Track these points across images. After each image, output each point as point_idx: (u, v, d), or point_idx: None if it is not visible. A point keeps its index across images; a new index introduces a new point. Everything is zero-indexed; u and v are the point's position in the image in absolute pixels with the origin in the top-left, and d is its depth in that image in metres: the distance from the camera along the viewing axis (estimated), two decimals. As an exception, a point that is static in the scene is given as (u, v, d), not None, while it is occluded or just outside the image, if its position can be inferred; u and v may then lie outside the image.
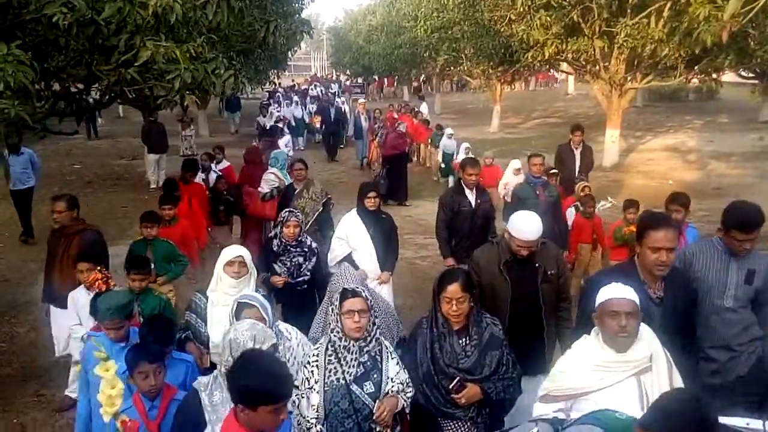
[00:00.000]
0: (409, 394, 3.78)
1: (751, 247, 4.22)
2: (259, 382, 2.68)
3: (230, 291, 4.40)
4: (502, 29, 16.81)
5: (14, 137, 4.83)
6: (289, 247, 6.07)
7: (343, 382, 3.62)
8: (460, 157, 13.96)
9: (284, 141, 14.76)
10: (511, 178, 11.35)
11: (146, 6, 5.14)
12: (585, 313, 3.98)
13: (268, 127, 18.43)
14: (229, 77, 5.66)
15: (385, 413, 3.61)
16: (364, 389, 3.66)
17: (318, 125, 22.27)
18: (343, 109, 22.89)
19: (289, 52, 23.76)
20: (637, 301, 3.31)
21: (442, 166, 16.59)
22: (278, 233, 6.10)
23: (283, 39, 8.41)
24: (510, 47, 18.24)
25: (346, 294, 3.66)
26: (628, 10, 15.32)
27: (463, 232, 7.12)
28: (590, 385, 3.26)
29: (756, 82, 25.71)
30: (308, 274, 6.10)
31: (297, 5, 13.37)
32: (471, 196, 7.18)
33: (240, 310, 3.87)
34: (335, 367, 3.65)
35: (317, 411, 3.58)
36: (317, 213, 7.84)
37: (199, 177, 9.96)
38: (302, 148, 22.24)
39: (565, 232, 8.21)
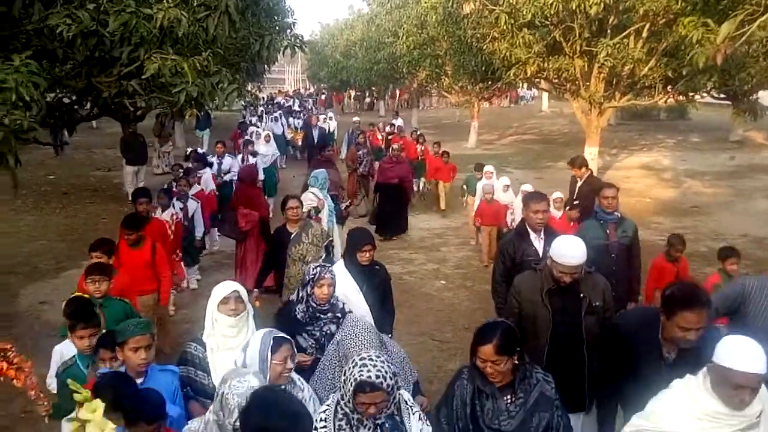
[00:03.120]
0: None
1: None
2: (278, 421, 2.49)
3: (229, 332, 3.96)
4: (484, 47, 16.93)
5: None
6: (318, 314, 4.57)
7: None
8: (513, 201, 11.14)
9: (204, 177, 11.27)
10: (519, 203, 9.92)
11: (152, 19, 5.09)
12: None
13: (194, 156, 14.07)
14: (232, 91, 5.63)
15: None
16: None
17: (301, 142, 21.35)
18: (327, 130, 21.28)
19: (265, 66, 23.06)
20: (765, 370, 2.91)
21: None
22: (305, 296, 4.59)
23: (276, 53, 8.37)
24: (492, 64, 18.37)
25: (363, 387, 3.09)
26: (609, 31, 15.59)
27: None
28: None
29: (728, 102, 26.24)
30: None
31: (289, 20, 13.32)
32: (538, 242, 5.76)
33: (278, 345, 3.53)
34: None
35: None
36: (321, 260, 6.59)
37: (176, 205, 9.13)
38: (283, 166, 20.88)
39: (637, 281, 6.71)
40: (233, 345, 3.93)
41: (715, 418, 2.98)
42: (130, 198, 15.64)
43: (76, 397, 2.88)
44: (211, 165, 12.56)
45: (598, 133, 18.07)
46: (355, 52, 37.72)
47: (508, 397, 3.46)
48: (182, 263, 9.16)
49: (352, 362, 3.17)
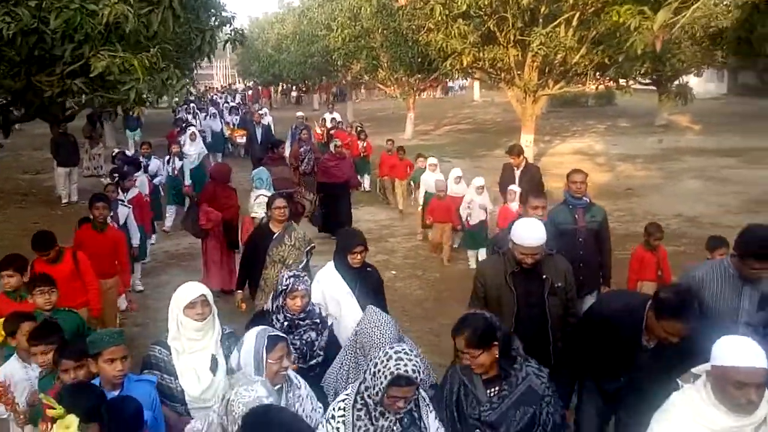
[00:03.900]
0: None
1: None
2: None
3: (196, 336, 3.87)
4: (420, 38, 17.05)
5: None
6: (296, 322, 4.40)
7: None
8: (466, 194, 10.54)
9: (140, 180, 10.67)
10: (474, 196, 10.23)
11: (97, 15, 4.92)
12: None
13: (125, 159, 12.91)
14: (181, 88, 5.50)
15: None
16: None
17: (240, 139, 20.32)
18: (272, 129, 19.51)
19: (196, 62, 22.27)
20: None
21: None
22: (279, 306, 4.42)
23: (215, 49, 8.22)
24: (428, 56, 18.52)
25: (399, 381, 3.04)
26: (541, 20, 15.91)
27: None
28: None
29: (653, 88, 27.22)
30: (321, 353, 4.42)
31: (228, 14, 13.04)
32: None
33: (273, 344, 3.48)
34: (365, 425, 3.17)
35: None
36: (302, 265, 6.37)
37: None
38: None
39: (608, 266, 6.74)
40: (200, 347, 3.88)
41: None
42: (63, 200, 15.28)
43: (50, 413, 2.80)
44: (143, 167, 12.04)
45: (533, 120, 18.45)
46: (287, 46, 37.43)
47: (494, 388, 3.47)
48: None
49: (385, 355, 3.11)
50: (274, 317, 4.40)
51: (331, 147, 12.75)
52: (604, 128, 28.92)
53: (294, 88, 49.47)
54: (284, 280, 4.41)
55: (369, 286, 5.11)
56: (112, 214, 8.33)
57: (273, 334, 3.55)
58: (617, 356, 3.91)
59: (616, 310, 3.98)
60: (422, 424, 3.25)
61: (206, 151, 15.12)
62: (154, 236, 11.26)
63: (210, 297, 3.94)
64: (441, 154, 20.78)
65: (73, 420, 2.80)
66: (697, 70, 23.59)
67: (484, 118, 35.59)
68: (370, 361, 3.25)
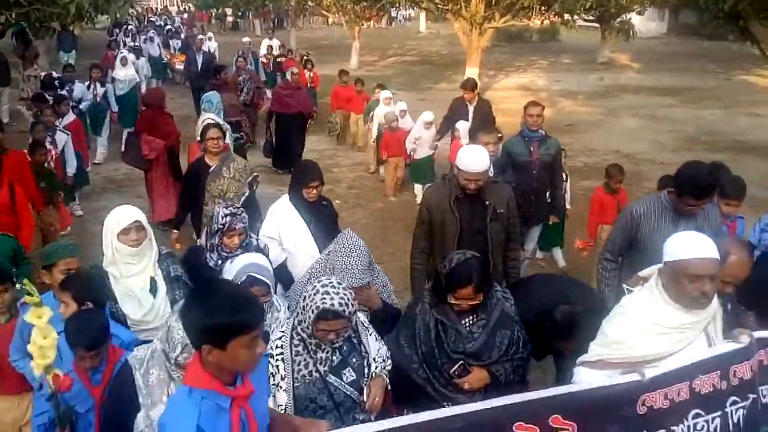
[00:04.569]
0: (388, 367, 3.36)
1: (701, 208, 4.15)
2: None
3: (132, 260, 3.81)
4: (367, -36, 16.70)
5: None
6: (231, 258, 4.20)
7: (317, 375, 3.13)
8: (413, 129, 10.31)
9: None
10: (422, 132, 10.06)
11: None
12: None
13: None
14: (124, 4, 5.28)
15: (377, 401, 3.20)
16: (344, 379, 3.17)
17: (179, 66, 18.86)
18: (215, 55, 18.05)
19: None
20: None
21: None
22: (215, 244, 4.31)
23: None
24: (375, -17, 18.16)
25: (326, 315, 3.01)
26: (489, -49, 15.75)
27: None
28: (664, 350, 2.89)
29: (596, 25, 27.39)
30: None
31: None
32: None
33: (249, 285, 3.38)
34: (305, 359, 3.14)
35: (286, 412, 3.07)
36: (244, 197, 6.06)
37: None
38: None
39: (561, 199, 7.00)
40: (137, 270, 3.84)
41: (681, 329, 2.90)
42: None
43: (27, 299, 2.81)
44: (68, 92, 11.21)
45: (479, 54, 18.46)
46: (230, -32, 36.03)
47: (470, 318, 3.48)
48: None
49: (313, 289, 3.08)
50: (207, 254, 4.30)
51: (288, 75, 12.16)
52: (547, 64, 29.09)
53: (230, 13, 47.80)
54: (221, 218, 4.27)
55: (324, 220, 5.00)
56: (50, 140, 8.10)
57: (254, 276, 3.48)
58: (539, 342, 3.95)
59: (529, 312, 3.95)
60: (362, 348, 3.25)
61: (137, 78, 13.80)
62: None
63: (144, 221, 3.86)
64: (387, 85, 20.65)
65: (46, 311, 2.80)
66: (641, 8, 23.77)
67: (429, 50, 35.28)
68: (300, 295, 3.23)
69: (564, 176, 7.17)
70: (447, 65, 27.78)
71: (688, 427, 2.82)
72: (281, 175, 10.78)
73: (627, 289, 3.18)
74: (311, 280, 3.40)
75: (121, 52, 14.02)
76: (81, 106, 11.59)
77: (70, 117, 9.41)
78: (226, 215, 4.28)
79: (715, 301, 2.96)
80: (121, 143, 11.11)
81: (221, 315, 2.23)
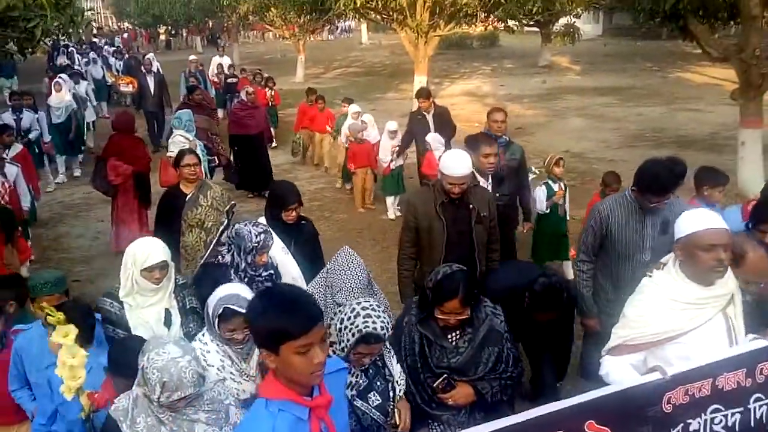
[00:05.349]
0: (404, 388, 3.32)
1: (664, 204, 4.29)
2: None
3: (150, 294, 3.79)
4: (312, -23, 16.80)
5: None
6: (256, 276, 4.22)
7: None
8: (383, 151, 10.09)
9: None
10: (386, 142, 10.05)
11: (-6, -53, 4.61)
12: None
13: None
14: (87, 24, 5.27)
15: (408, 423, 3.20)
16: (370, 403, 3.11)
17: (125, 87, 18.32)
18: (164, 79, 16.10)
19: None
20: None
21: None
22: (246, 264, 4.18)
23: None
24: (320, -4, 18.27)
25: (368, 339, 2.97)
26: (432, -40, 16.03)
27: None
28: (681, 326, 2.94)
29: (536, 29, 28.06)
30: None
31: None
32: (486, 186, 5.58)
33: (226, 317, 3.26)
34: None
35: None
36: (222, 227, 5.71)
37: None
38: (107, 115, 17.79)
39: (528, 203, 7.02)
40: (153, 302, 3.80)
41: (699, 305, 2.96)
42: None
43: (50, 319, 2.78)
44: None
45: (426, 62, 18.70)
46: (168, -15, 35.70)
47: (455, 332, 3.43)
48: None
49: (353, 311, 3.02)
50: (231, 271, 4.16)
51: (243, 95, 11.72)
52: (490, 69, 29.66)
53: (162, 31, 47.31)
54: (254, 237, 4.13)
55: (304, 240, 4.95)
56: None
57: (231, 307, 3.27)
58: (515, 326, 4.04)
59: (503, 291, 4.18)
60: (386, 371, 3.21)
61: (75, 105, 12.71)
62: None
63: (169, 258, 3.82)
64: (335, 97, 20.75)
65: (72, 329, 2.78)
66: (588, 11, 24.54)
67: (373, 61, 35.57)
68: (335, 315, 3.15)
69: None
70: (393, 75, 28.08)
71: (705, 421, 2.84)
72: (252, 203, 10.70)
73: (648, 273, 3.21)
74: (348, 302, 3.24)
75: (59, 77, 13.06)
76: (30, 136, 11.13)
77: (17, 148, 8.93)
78: (260, 233, 4.17)
79: (734, 282, 3.02)
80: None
81: (269, 319, 2.20)
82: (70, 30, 5.23)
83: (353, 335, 2.97)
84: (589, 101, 20.24)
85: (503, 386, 3.47)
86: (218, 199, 5.91)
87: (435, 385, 3.36)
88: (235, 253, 4.18)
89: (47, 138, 11.58)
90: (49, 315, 2.78)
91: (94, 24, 45.47)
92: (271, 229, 4.32)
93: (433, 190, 4.84)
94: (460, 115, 18.68)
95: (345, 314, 3.04)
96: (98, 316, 3.78)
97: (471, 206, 4.76)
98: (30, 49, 5.80)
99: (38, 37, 4.94)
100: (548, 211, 7.30)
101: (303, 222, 5.08)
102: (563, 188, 7.43)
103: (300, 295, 2.31)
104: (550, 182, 7.35)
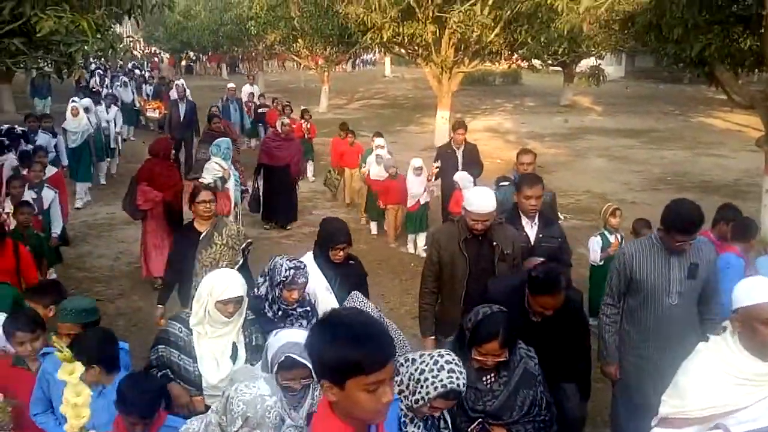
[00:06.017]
0: None
1: (690, 244, 4.20)
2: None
3: (219, 326, 3.73)
4: (340, 10, 17.05)
5: None
6: (289, 311, 4.16)
7: None
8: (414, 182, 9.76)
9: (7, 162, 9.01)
10: (412, 179, 9.79)
11: (40, -27, 4.74)
12: None
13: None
14: (127, 50, 5.37)
15: None
16: None
17: (151, 113, 18.31)
18: (197, 106, 15.78)
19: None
20: None
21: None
22: (275, 297, 4.13)
23: (146, 12, 7.97)
24: (347, 28, 18.52)
25: (448, 395, 2.87)
26: (459, -2, 16.26)
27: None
28: (736, 402, 2.80)
29: (559, 69, 28.26)
30: None
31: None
32: (530, 228, 5.27)
33: (286, 367, 3.02)
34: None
35: None
36: (237, 266, 5.44)
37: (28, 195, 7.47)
38: (132, 138, 18.61)
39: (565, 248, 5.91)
40: (222, 333, 3.75)
41: (757, 381, 2.83)
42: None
43: (58, 355, 2.69)
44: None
45: (450, 97, 18.89)
46: (198, 12, 36.38)
47: (489, 376, 3.38)
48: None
49: (436, 364, 2.90)
50: (266, 305, 4.13)
51: (278, 125, 11.42)
52: (512, 107, 29.82)
53: (183, 56, 48.25)
54: (283, 270, 4.06)
55: (350, 281, 4.71)
56: (35, 196, 7.57)
57: (293, 357, 3.04)
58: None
59: (502, 293, 4.15)
60: (441, 423, 3.11)
61: (91, 130, 12.55)
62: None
63: (245, 293, 3.78)
64: (357, 128, 20.93)
65: (79, 367, 2.69)
66: (612, 53, 24.72)
67: (396, 94, 35.88)
68: (406, 364, 3.01)
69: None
70: (415, 108, 28.30)
71: None
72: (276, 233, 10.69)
73: (707, 336, 3.11)
74: (423, 354, 3.08)
75: (73, 101, 12.70)
76: (48, 159, 10.40)
77: (51, 170, 8.76)
78: (289, 268, 4.06)
79: None
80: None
81: (337, 350, 1.96)
82: (110, 54, 5.29)
83: (435, 389, 2.85)
84: (612, 142, 20.26)
85: (537, 429, 3.42)
86: (234, 237, 5.65)
87: (470, 430, 3.30)
88: (267, 286, 4.16)
89: (65, 162, 11.41)
90: (58, 351, 2.68)
91: (136, 52, 46.62)
92: (305, 267, 4.17)
93: (458, 226, 4.84)
94: (482, 151, 18.69)
95: (426, 365, 2.91)
96: (124, 345, 3.76)
97: (495, 244, 4.74)
98: (67, 72, 5.90)
99: (78, 61, 5.02)
100: (602, 263, 7.01)
101: (351, 261, 4.90)
102: (619, 239, 7.15)
103: (374, 324, 2.07)
104: (606, 233, 7.16)
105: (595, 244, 7.12)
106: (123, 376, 3.37)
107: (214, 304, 3.65)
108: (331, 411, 2.05)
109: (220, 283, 3.68)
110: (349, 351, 1.94)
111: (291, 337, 3.15)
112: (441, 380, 2.85)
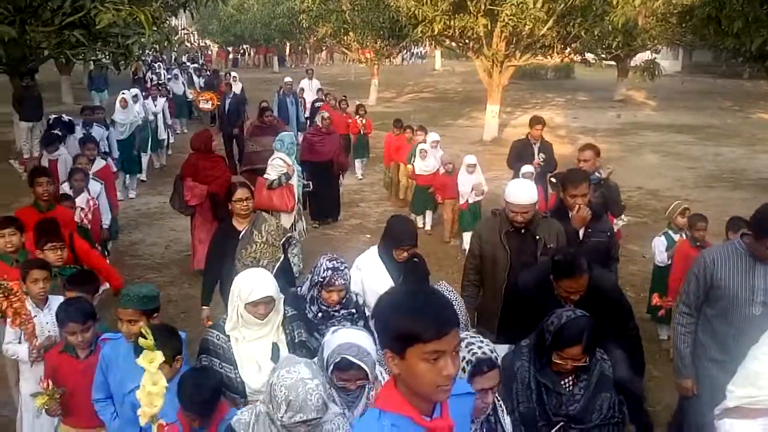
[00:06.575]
0: None
1: None
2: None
3: (255, 327, 3.64)
4: (391, 3, 17.06)
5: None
6: (332, 312, 4.05)
7: None
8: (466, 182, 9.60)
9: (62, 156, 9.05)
10: (464, 176, 9.67)
11: (100, -34, 4.87)
12: None
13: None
14: (182, 42, 5.48)
15: None
16: None
17: (204, 104, 17.89)
18: (246, 99, 15.99)
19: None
20: None
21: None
22: (314, 297, 4.06)
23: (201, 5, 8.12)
24: (398, 22, 18.52)
25: (481, 366, 2.76)
26: (511, -9, 16.08)
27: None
28: None
29: (613, 63, 27.72)
30: None
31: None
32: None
33: (342, 367, 3.02)
34: None
35: None
36: (279, 263, 5.42)
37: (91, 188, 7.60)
38: (185, 131, 18.37)
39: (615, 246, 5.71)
40: (261, 334, 3.66)
41: None
42: (25, 155, 14.83)
43: (141, 341, 2.74)
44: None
45: (500, 91, 18.74)
46: (250, 5, 36.85)
47: (569, 378, 3.32)
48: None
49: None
50: (308, 306, 4.05)
51: (318, 120, 11.20)
52: (564, 101, 29.40)
53: (231, 50, 48.80)
54: (322, 270, 3.98)
55: (413, 278, 4.59)
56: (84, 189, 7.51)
57: (350, 359, 3.01)
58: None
59: (533, 284, 4.09)
60: (499, 428, 2.98)
61: (139, 121, 12.48)
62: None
63: (276, 292, 3.67)
64: (406, 122, 20.93)
65: (159, 356, 2.75)
66: (668, 47, 24.23)
67: (445, 88, 35.72)
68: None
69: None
70: (464, 102, 28.15)
71: None
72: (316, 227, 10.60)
73: None
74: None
75: (122, 94, 12.23)
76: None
77: (100, 163, 8.73)
78: (327, 269, 3.97)
79: None
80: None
81: (397, 317, 1.99)
82: (165, 47, 5.41)
83: (465, 366, 2.76)
84: (665, 138, 19.83)
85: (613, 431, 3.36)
86: (273, 234, 5.56)
87: None
88: (308, 284, 4.11)
89: (116, 154, 11.36)
90: (142, 337, 2.73)
91: (187, 43, 47.42)
92: (345, 269, 4.05)
93: (499, 219, 4.82)
94: (531, 146, 18.60)
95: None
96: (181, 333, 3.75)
97: (537, 237, 4.69)
98: (124, 63, 6.05)
99: (135, 54, 5.15)
100: (669, 262, 6.67)
101: (416, 259, 4.79)
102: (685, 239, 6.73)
103: (438, 296, 2.06)
104: (670, 232, 6.83)
105: (660, 244, 6.84)
106: (184, 370, 3.40)
107: (245, 307, 3.57)
108: (393, 386, 2.06)
109: (246, 285, 3.59)
110: (407, 318, 1.95)
111: (348, 338, 3.09)
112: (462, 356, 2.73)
